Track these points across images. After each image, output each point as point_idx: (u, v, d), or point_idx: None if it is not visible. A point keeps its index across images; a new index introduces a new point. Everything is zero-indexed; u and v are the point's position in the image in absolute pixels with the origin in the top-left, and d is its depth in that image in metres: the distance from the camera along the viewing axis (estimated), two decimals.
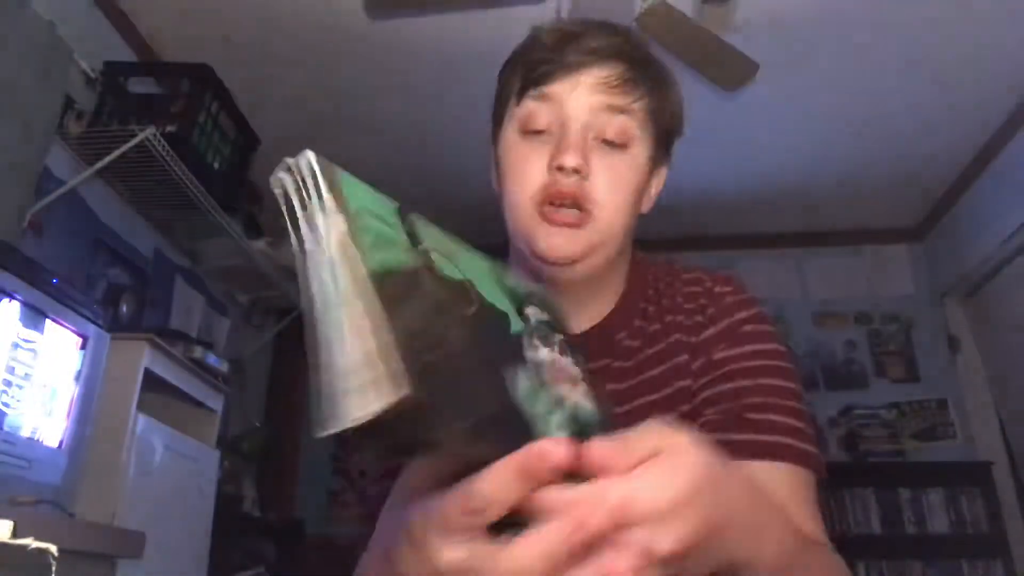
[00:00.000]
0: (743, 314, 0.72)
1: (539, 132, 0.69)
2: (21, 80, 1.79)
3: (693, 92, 2.59)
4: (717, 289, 0.74)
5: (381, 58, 2.58)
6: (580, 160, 0.66)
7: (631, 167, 0.70)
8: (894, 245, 3.76)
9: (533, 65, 0.70)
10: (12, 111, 1.77)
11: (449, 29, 2.41)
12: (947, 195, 3.40)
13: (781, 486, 0.61)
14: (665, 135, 0.75)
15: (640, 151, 0.71)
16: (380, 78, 2.69)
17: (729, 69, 2.25)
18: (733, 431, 0.64)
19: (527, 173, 0.69)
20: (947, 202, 3.43)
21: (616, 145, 0.69)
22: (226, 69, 2.43)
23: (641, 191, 0.72)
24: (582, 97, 0.68)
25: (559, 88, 0.69)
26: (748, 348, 0.69)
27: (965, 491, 3.11)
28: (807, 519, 0.61)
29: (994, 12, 2.33)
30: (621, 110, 0.69)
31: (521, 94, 0.71)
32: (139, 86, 2.37)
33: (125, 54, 2.42)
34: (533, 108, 0.70)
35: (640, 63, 0.71)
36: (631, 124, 0.69)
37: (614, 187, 0.68)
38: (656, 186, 0.77)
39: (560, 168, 0.66)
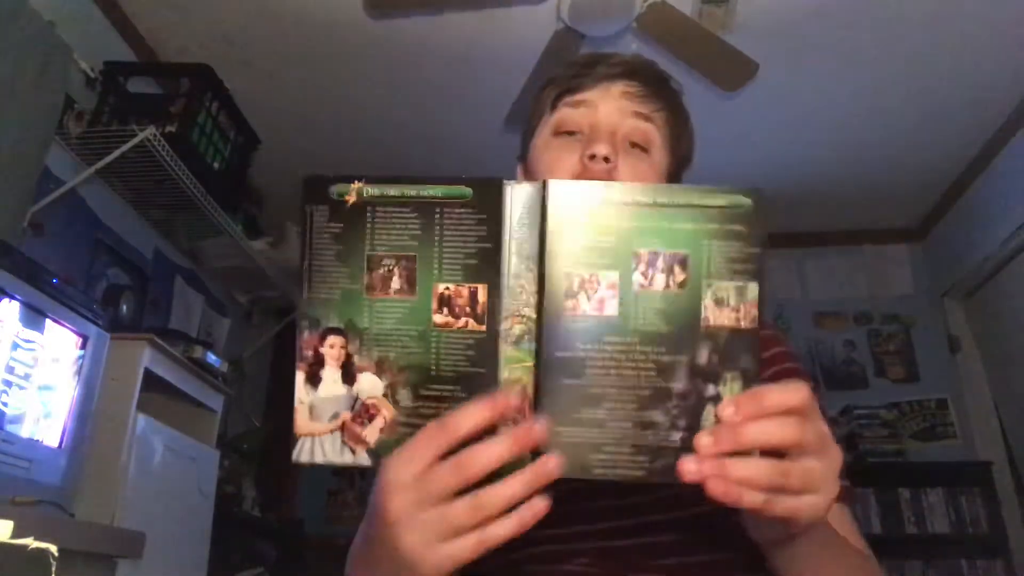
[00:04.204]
0: (780, 349, 0.79)
1: (571, 133, 0.78)
2: (21, 80, 1.79)
3: (693, 92, 2.60)
4: None
5: (381, 57, 2.58)
6: (610, 150, 0.73)
7: (652, 170, 0.78)
8: (894, 245, 3.76)
9: (568, 78, 0.80)
10: (12, 111, 1.77)
11: (449, 28, 2.41)
12: (947, 195, 3.40)
13: (835, 520, 0.67)
14: (680, 159, 0.83)
15: (660, 158, 0.79)
16: (380, 77, 2.69)
17: (728, 69, 2.25)
18: None
19: (561, 164, 0.76)
20: (947, 202, 3.43)
21: (640, 148, 0.78)
22: (226, 69, 2.43)
23: None
24: (611, 102, 0.78)
25: (592, 95, 0.78)
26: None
27: (965, 491, 3.11)
28: (859, 543, 0.70)
29: (994, 12, 2.33)
30: (645, 117, 0.78)
31: (556, 103, 0.80)
32: (139, 86, 2.37)
33: (125, 54, 2.42)
34: (567, 113, 0.79)
35: (660, 81, 0.81)
36: (653, 131, 0.78)
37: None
38: None
39: (592, 157, 0.73)
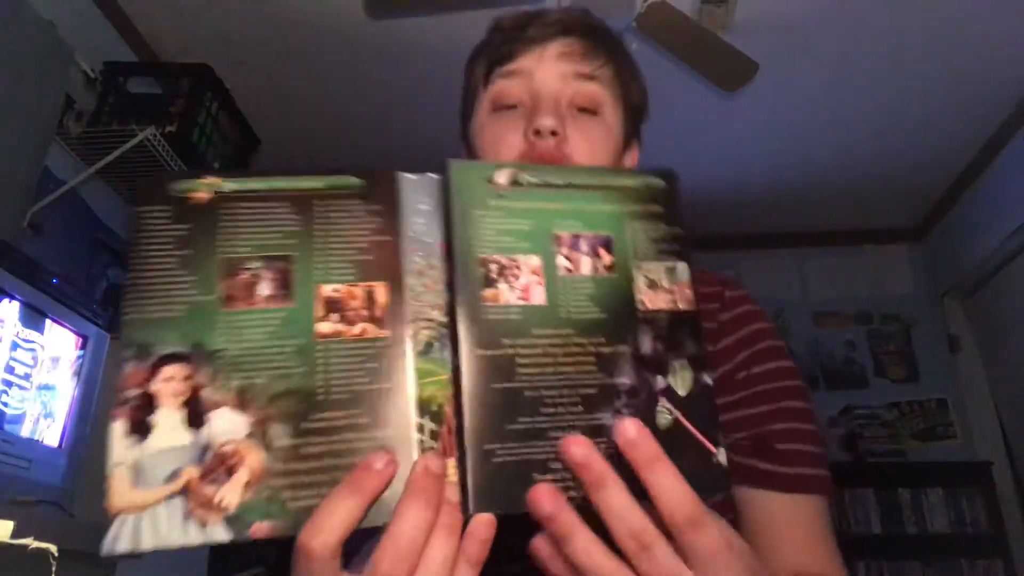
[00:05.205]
0: (758, 326, 0.71)
1: (511, 107, 0.70)
2: (21, 80, 1.79)
3: (693, 92, 2.61)
4: (728, 294, 0.73)
5: (382, 57, 2.58)
6: (556, 122, 0.66)
7: (606, 132, 0.71)
8: (894, 245, 3.76)
9: (497, 46, 0.73)
10: (12, 111, 1.77)
11: (449, 29, 2.41)
12: (947, 195, 3.40)
13: (803, 517, 0.63)
14: (633, 112, 0.76)
15: (612, 118, 0.72)
16: (380, 77, 2.69)
17: (729, 69, 2.25)
18: (759, 459, 0.64)
19: (503, 144, 0.68)
20: (947, 202, 3.43)
21: (588, 111, 0.70)
22: (226, 69, 2.43)
23: (617, 161, 0.73)
24: (549, 67, 0.70)
25: (526, 62, 0.70)
26: (770, 366, 0.69)
27: (965, 491, 3.10)
28: (826, 552, 0.63)
29: (994, 12, 2.33)
30: (588, 76, 0.70)
31: (488, 76, 0.72)
32: (139, 86, 2.37)
33: (125, 54, 2.42)
34: (503, 86, 0.71)
35: (599, 34, 0.73)
36: (600, 90, 0.71)
37: (592, 151, 0.68)
38: (630, 166, 0.77)
39: (537, 132, 0.66)
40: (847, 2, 2.30)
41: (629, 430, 0.37)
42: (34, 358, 1.49)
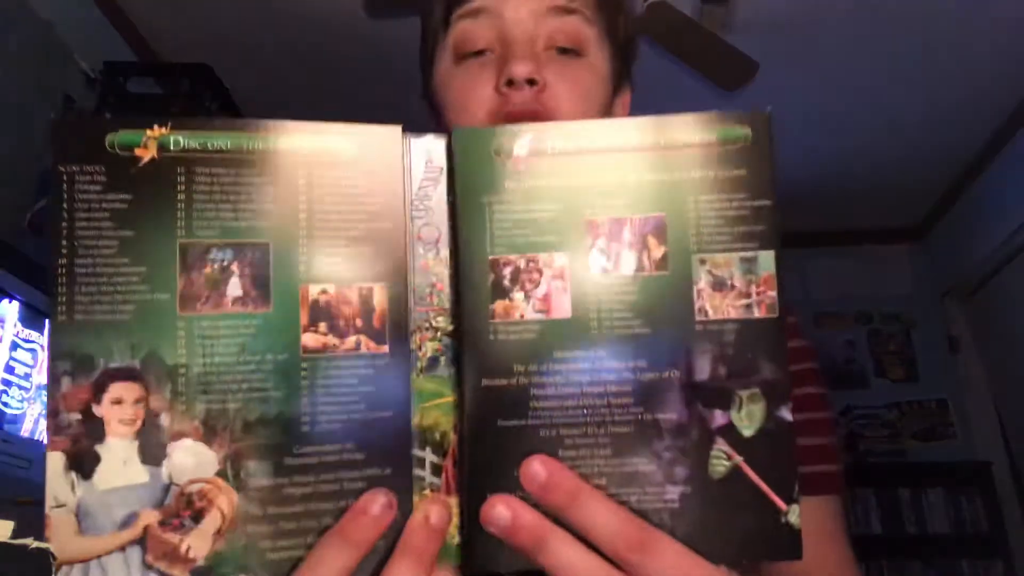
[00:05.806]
0: (791, 323, 0.64)
1: (478, 53, 0.59)
2: (21, 80, 1.79)
3: (693, 92, 2.60)
4: None
5: (382, 57, 2.58)
6: (532, 68, 0.55)
7: (592, 76, 0.60)
8: (894, 245, 3.76)
9: None
10: (12, 111, 1.78)
11: None
12: (947, 195, 3.40)
13: (813, 520, 0.57)
14: (621, 49, 0.65)
15: (598, 58, 0.61)
16: (381, 77, 2.69)
17: (729, 69, 2.25)
18: None
19: (472, 98, 0.58)
20: (947, 202, 3.43)
21: (570, 52, 0.59)
22: (226, 69, 2.43)
23: (607, 109, 0.62)
24: (519, 2, 0.58)
25: None
26: None
27: (965, 491, 3.11)
28: (837, 555, 0.59)
29: (994, 12, 2.33)
30: (566, 10, 0.59)
31: (449, 17, 0.61)
32: (139, 86, 2.37)
33: (125, 54, 2.42)
34: (466, 27, 0.59)
35: None
36: (581, 25, 0.60)
37: (577, 97, 0.58)
38: (621, 114, 0.66)
39: (511, 82, 0.55)
40: (847, 2, 2.30)
41: (539, 474, 0.32)
42: (34, 358, 1.49)
